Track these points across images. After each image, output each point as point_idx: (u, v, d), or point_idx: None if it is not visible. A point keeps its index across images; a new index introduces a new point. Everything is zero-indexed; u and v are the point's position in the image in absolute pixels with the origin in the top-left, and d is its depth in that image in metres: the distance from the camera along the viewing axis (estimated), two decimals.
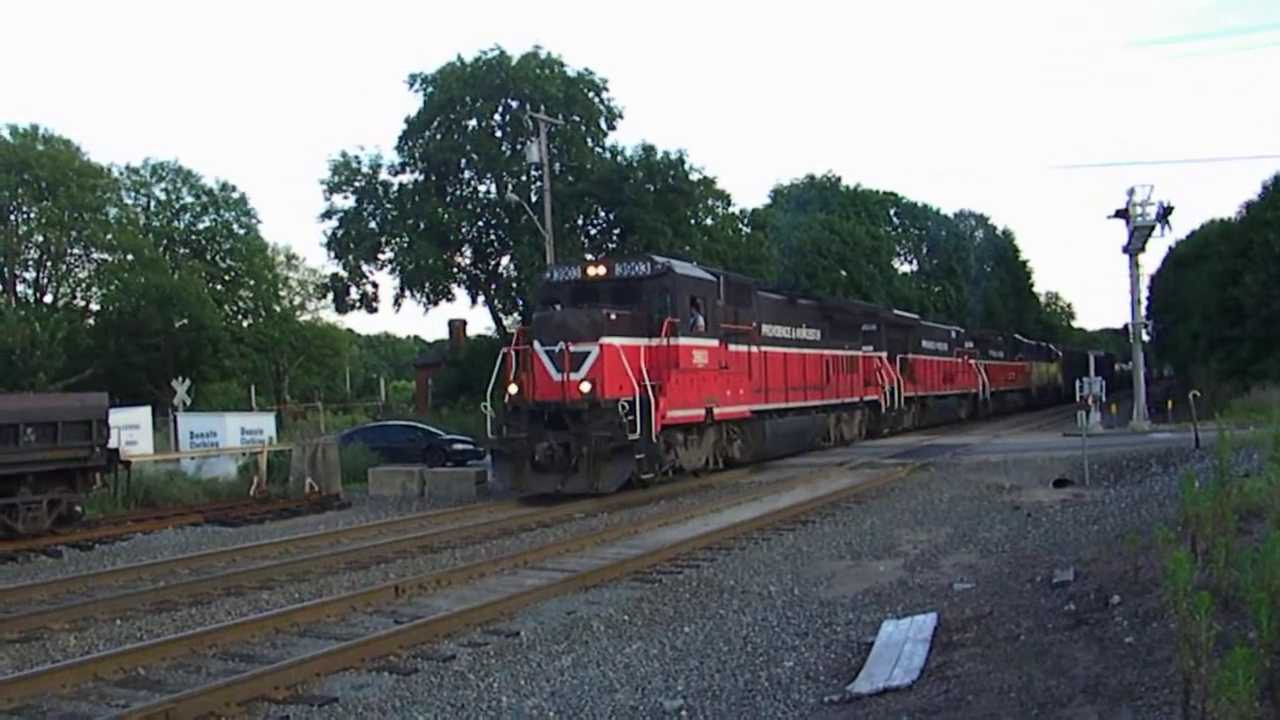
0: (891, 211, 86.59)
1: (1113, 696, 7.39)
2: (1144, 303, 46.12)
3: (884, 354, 41.06)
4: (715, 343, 26.37)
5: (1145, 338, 44.39)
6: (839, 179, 78.33)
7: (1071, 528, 17.59)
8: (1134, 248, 41.67)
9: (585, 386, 22.91)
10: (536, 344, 23.88)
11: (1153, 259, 76.10)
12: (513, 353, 24.75)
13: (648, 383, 23.21)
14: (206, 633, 11.92)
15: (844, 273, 67.87)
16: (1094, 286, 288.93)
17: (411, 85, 48.10)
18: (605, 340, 23.15)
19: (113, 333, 58.16)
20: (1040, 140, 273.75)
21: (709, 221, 49.69)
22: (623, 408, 22.77)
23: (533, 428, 23.43)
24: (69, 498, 21.31)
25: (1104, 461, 26.42)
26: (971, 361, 54.71)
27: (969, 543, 17.00)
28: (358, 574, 16.04)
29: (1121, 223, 41.15)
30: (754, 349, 28.89)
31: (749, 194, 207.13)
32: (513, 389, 24.31)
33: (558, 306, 25.01)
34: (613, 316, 23.59)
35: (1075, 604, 10.90)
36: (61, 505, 21.14)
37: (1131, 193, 40.07)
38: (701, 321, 25.87)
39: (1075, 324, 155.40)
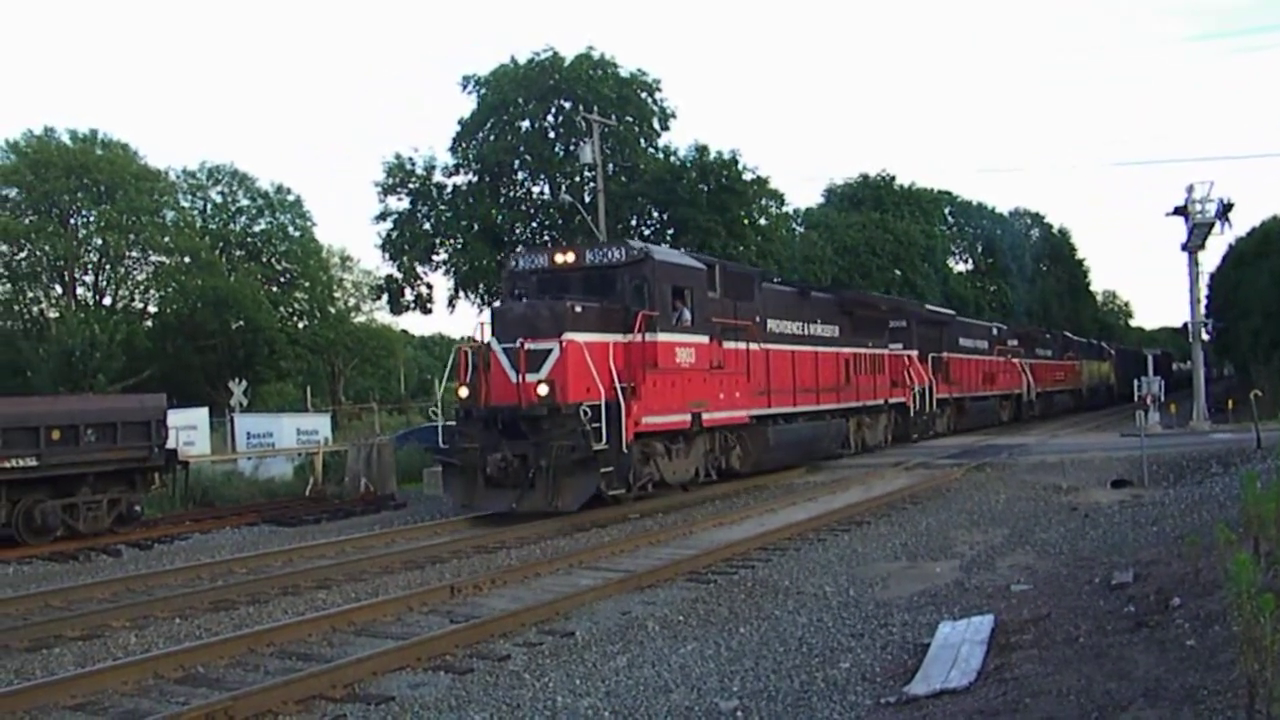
0: (946, 210, 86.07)
1: (1174, 700, 7.30)
2: (1203, 301, 45.55)
3: (914, 352, 38.00)
4: (705, 339, 23.52)
5: (1205, 336, 43.83)
6: (893, 178, 77.83)
7: (1130, 529, 17.41)
8: (1193, 245, 41.13)
9: (542, 389, 20.12)
10: (494, 341, 21.30)
11: (1212, 256, 75.11)
12: (466, 351, 22.09)
13: (618, 385, 20.52)
14: (264, 631, 12.03)
15: (898, 272, 67.43)
16: (1153, 285, 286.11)
17: (465, 87, 48.27)
18: (569, 336, 20.40)
19: (170, 334, 58.93)
20: (1097, 137, 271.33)
21: (763, 222, 49.53)
22: (585, 413, 20.01)
23: (487, 437, 20.76)
24: (129, 497, 21.57)
25: (1163, 462, 26.10)
26: (1015, 360, 52.18)
27: (1026, 544, 16.85)
28: (413, 574, 16.10)
29: (1180, 220, 40.66)
30: (755, 346, 25.82)
31: (803, 194, 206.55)
32: (462, 392, 21.54)
33: (524, 300, 22.64)
34: (578, 309, 20.88)
35: (1135, 606, 10.78)
36: (121, 505, 21.40)
37: (1190, 189, 39.55)
38: (688, 315, 23.06)
39: (1133, 323, 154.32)
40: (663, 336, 22.10)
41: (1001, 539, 17.43)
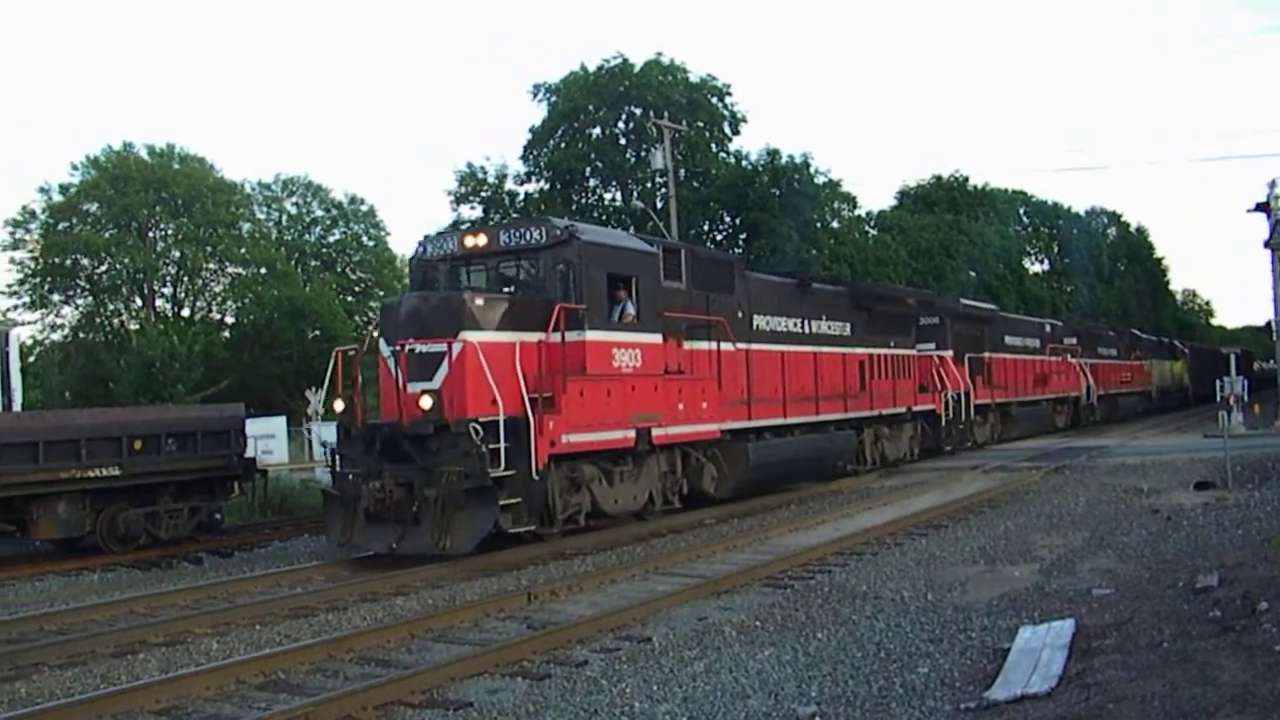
0: (1021, 210, 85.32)
1: (1263, 707, 7.17)
2: None
3: (949, 353, 34.02)
4: (657, 338, 19.65)
5: None
6: (966, 178, 77.27)
7: (1214, 532, 17.12)
8: (1275, 242, 40.42)
9: (425, 402, 16.32)
10: (382, 343, 17.89)
11: None
12: (350, 355, 18.82)
13: (526, 395, 16.85)
14: (343, 638, 12.10)
15: (973, 274, 66.80)
16: (1235, 283, 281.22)
17: (535, 95, 48.78)
18: (466, 336, 16.69)
19: (247, 345, 59.69)
20: (1176, 134, 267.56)
21: (835, 224, 49.43)
22: (475, 431, 16.25)
23: (368, 460, 17.12)
24: (209, 506, 21.83)
25: (1247, 463, 25.62)
26: (1073, 360, 48.53)
27: (1107, 547, 16.62)
28: (490, 580, 16.12)
29: (1262, 216, 40.00)
30: (731, 347, 21.82)
31: (875, 196, 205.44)
32: (337, 405, 18.26)
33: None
34: (479, 302, 17.13)
35: (1220, 610, 10.60)
36: (202, 513, 21.66)
37: (1272, 185, 38.94)
38: (630, 309, 19.23)
39: (1214, 321, 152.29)
40: (593, 335, 18.29)
41: (1082, 542, 17.21)
